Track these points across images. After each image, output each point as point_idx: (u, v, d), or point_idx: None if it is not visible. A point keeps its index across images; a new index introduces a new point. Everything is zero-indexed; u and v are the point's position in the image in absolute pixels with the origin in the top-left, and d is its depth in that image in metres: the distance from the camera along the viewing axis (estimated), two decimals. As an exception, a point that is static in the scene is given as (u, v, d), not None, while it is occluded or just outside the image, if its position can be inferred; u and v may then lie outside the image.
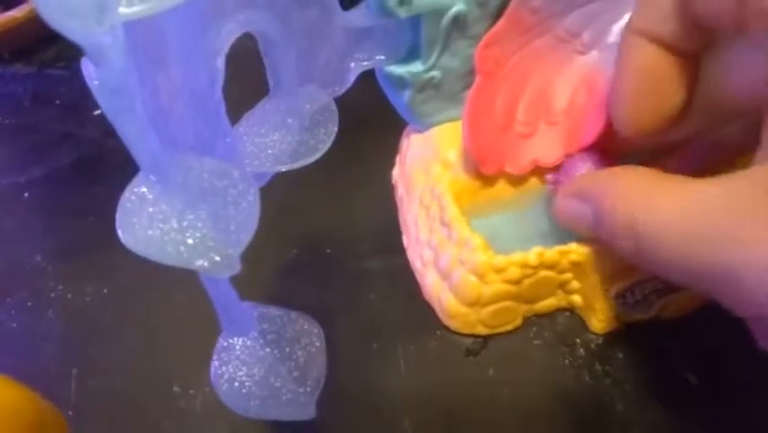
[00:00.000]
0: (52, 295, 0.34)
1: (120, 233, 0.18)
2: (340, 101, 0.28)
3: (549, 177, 0.30)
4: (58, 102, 0.43)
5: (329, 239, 0.35)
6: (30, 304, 0.33)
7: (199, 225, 0.18)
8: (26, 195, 0.38)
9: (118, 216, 0.18)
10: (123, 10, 0.13)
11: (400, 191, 0.35)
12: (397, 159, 0.36)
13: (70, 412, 0.30)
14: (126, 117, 0.16)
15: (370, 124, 0.36)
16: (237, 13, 0.23)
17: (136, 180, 0.19)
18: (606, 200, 0.21)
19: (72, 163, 0.39)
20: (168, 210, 0.18)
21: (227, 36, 0.23)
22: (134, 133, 0.17)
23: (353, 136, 0.34)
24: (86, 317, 0.33)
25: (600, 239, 0.22)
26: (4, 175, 0.39)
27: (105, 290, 0.34)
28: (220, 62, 0.23)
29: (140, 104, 0.17)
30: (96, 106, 0.41)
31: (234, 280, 0.23)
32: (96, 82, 0.15)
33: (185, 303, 0.32)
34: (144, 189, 0.18)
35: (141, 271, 0.33)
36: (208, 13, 0.22)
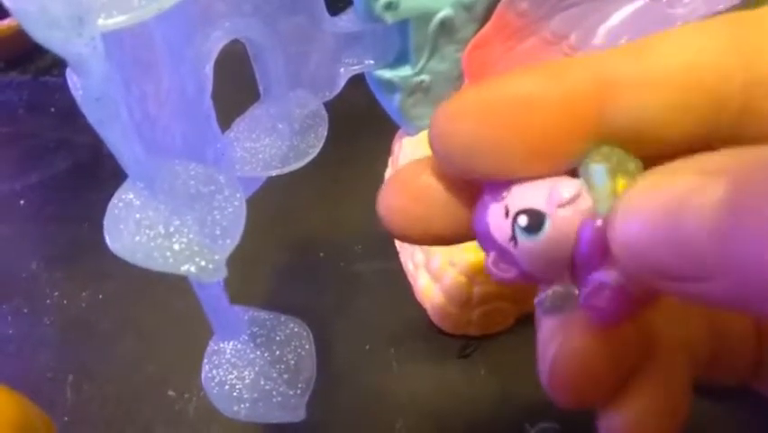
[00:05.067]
0: (48, 301, 0.34)
1: (107, 239, 0.18)
2: (333, 105, 0.28)
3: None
4: (53, 110, 0.43)
5: (322, 243, 0.35)
6: (25, 311, 0.34)
7: (185, 230, 0.18)
8: (22, 202, 0.38)
9: (106, 222, 0.18)
10: (102, 21, 0.14)
11: (392, 194, 0.35)
12: (390, 162, 0.36)
13: (66, 418, 0.30)
14: (111, 125, 0.16)
15: (363, 127, 0.36)
16: (224, 21, 0.23)
17: (123, 187, 0.19)
18: None
19: (67, 170, 0.40)
20: (154, 216, 0.18)
21: (215, 43, 0.23)
22: (119, 140, 0.17)
23: (346, 140, 0.34)
24: (82, 323, 0.33)
25: None
26: (0, 182, 0.39)
27: (101, 296, 0.34)
28: (208, 69, 0.23)
29: (124, 112, 0.17)
30: (91, 114, 0.42)
31: (228, 285, 0.23)
32: (80, 92, 0.16)
33: (179, 308, 0.32)
34: (131, 196, 0.19)
35: (136, 278, 0.33)
36: (195, 20, 0.22)
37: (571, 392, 0.14)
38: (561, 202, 0.12)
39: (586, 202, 0.12)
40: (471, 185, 0.13)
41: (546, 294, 0.13)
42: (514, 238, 0.12)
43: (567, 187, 0.12)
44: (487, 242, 0.13)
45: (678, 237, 0.10)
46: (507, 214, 0.12)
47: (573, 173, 0.13)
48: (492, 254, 0.13)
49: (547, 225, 0.12)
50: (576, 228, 0.12)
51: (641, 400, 0.14)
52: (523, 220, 0.12)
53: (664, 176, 0.11)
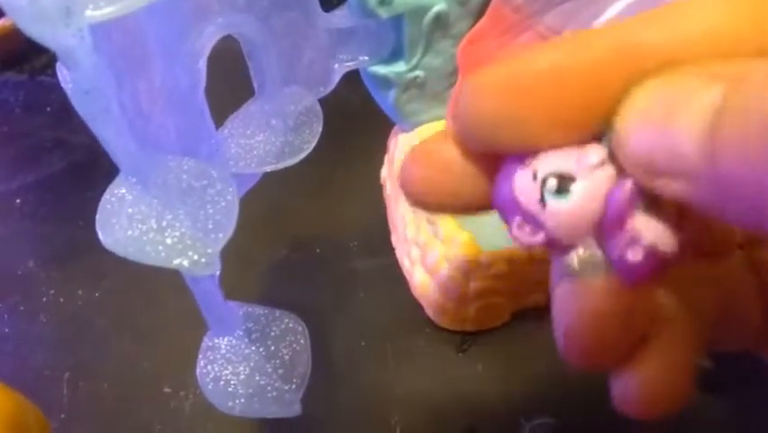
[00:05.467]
0: (44, 300, 0.34)
1: (100, 234, 0.18)
2: (328, 102, 0.28)
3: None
4: (49, 109, 0.43)
5: (318, 239, 0.35)
6: (22, 309, 0.34)
7: (178, 224, 0.18)
8: (18, 201, 0.38)
9: (98, 217, 0.18)
10: (89, 13, 0.14)
11: (388, 190, 0.35)
12: (386, 158, 0.36)
13: (63, 415, 0.30)
14: (101, 119, 0.16)
15: (359, 124, 0.36)
16: (217, 16, 0.23)
17: (116, 182, 0.19)
18: None
19: (63, 169, 0.40)
20: (147, 211, 0.18)
21: (208, 39, 0.23)
22: (111, 134, 0.17)
23: (343, 137, 0.34)
24: (78, 321, 0.33)
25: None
26: (-4, 182, 0.39)
27: (97, 294, 0.34)
28: (201, 64, 0.23)
29: (115, 106, 0.17)
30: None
31: (223, 281, 0.23)
32: (70, 85, 0.16)
33: (175, 306, 0.32)
34: (124, 190, 0.19)
35: (132, 275, 0.33)
36: (188, 16, 0.22)
37: (587, 355, 0.14)
38: (590, 165, 0.12)
39: (612, 167, 0.13)
40: (493, 155, 0.14)
41: (573, 256, 0.13)
42: (542, 201, 0.13)
43: (594, 152, 0.13)
44: (511, 206, 0.13)
45: (670, 136, 0.11)
46: (534, 177, 0.13)
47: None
48: (517, 219, 0.13)
49: (577, 187, 0.13)
50: (605, 191, 0.12)
51: (653, 360, 0.14)
52: (553, 182, 0.13)
53: (668, 77, 0.11)
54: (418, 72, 0.31)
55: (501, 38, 0.29)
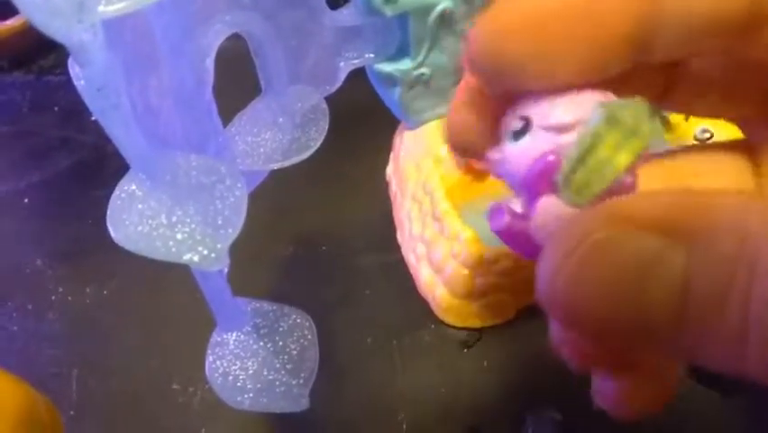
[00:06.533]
0: (52, 297, 0.34)
1: (111, 229, 0.18)
2: (334, 100, 0.28)
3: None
4: (56, 108, 0.43)
5: (324, 236, 0.35)
6: (30, 307, 0.34)
7: (188, 220, 0.18)
8: (26, 200, 0.38)
9: (109, 213, 0.19)
10: (102, 8, 0.14)
11: (394, 187, 0.35)
12: (391, 156, 0.37)
13: (72, 412, 0.30)
14: (112, 115, 0.17)
15: (365, 121, 0.36)
16: (224, 14, 0.23)
17: (126, 178, 0.19)
18: None
19: (71, 167, 0.40)
20: (157, 206, 0.18)
21: (215, 37, 0.24)
22: (121, 131, 0.17)
23: (348, 134, 0.34)
24: (86, 318, 0.33)
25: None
26: (4, 181, 0.40)
27: (105, 292, 0.34)
28: (209, 62, 0.24)
29: (126, 102, 0.17)
30: (94, 111, 0.42)
31: (231, 278, 0.23)
32: (81, 82, 0.16)
33: (183, 303, 0.32)
34: (134, 187, 0.19)
35: (140, 273, 0.34)
36: (195, 14, 0.23)
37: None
38: (545, 123, 0.13)
39: (571, 135, 0.12)
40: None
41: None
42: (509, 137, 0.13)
43: (565, 111, 0.13)
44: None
45: (642, 303, 0.11)
46: (513, 117, 0.13)
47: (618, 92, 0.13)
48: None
49: (526, 137, 0.13)
50: (538, 154, 0.13)
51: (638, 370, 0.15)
52: (517, 124, 0.13)
53: (620, 235, 0.11)
54: (424, 70, 0.31)
55: None
